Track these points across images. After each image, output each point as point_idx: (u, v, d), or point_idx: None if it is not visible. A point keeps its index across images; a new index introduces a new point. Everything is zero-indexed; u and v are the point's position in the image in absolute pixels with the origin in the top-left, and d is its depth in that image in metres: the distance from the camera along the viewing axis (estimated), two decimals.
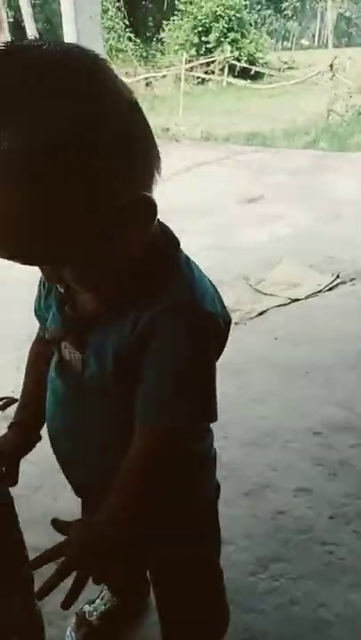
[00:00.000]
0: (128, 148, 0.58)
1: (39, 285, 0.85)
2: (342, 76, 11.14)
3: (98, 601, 1.28)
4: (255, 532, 1.52)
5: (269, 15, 23.89)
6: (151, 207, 0.61)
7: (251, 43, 18.02)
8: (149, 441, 0.74)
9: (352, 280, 3.34)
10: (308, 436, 1.91)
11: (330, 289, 3.28)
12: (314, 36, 37.94)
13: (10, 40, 0.60)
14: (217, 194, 5.56)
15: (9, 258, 0.60)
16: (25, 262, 0.61)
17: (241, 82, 14.85)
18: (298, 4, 24.76)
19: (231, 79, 15.55)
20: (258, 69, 16.71)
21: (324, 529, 1.53)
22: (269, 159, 7.43)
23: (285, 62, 19.18)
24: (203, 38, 17.84)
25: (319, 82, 12.86)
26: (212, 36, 17.66)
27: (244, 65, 16.03)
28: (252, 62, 17.12)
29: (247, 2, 18.51)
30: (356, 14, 32.98)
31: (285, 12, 25.01)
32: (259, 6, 21.66)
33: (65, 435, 0.85)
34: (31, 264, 0.62)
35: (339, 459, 1.79)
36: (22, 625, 0.89)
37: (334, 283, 3.38)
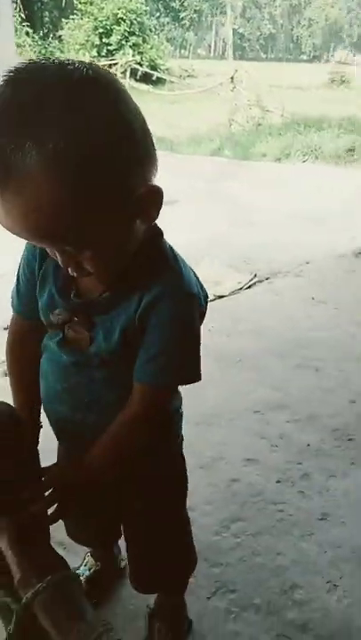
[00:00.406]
0: (146, 143, 0.71)
1: (22, 278, 0.93)
2: (241, 87, 11.79)
3: (82, 567, 1.38)
4: (214, 498, 1.70)
5: (167, 23, 24.47)
6: (161, 196, 0.74)
7: (152, 48, 18.38)
8: (147, 397, 0.88)
9: (268, 279, 3.65)
10: (249, 414, 2.13)
11: (249, 287, 3.57)
12: (210, 46, 39.44)
13: (44, 58, 0.71)
14: None
15: (52, 241, 0.70)
16: (65, 244, 0.70)
17: (143, 86, 15.07)
18: (195, 16, 25.67)
19: (134, 83, 15.74)
20: (159, 75, 17.06)
21: (274, 491, 1.74)
22: (179, 164, 7.71)
23: (186, 70, 19.83)
24: (104, 40, 17.85)
25: (220, 92, 13.46)
26: (114, 39, 17.76)
27: (146, 70, 16.28)
28: (153, 68, 17.46)
29: (148, 8, 18.85)
30: (250, 31, 34.99)
31: (183, 22, 25.81)
32: (158, 13, 22.10)
33: (63, 399, 0.95)
34: (71, 245, 0.71)
35: (278, 433, 2.03)
36: None
37: (253, 281, 3.68)
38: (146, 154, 0.71)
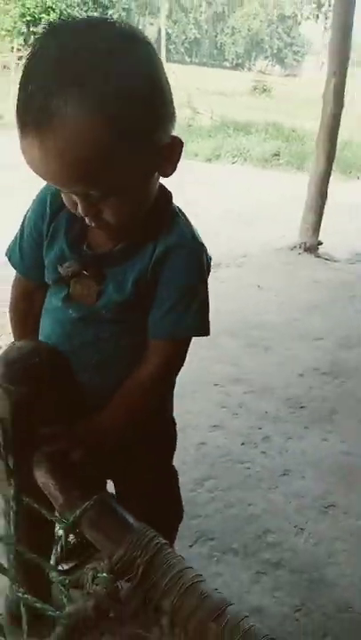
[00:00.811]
0: (171, 98, 0.77)
1: (26, 240, 0.93)
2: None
3: None
4: (186, 459, 1.80)
5: None
6: (181, 147, 0.77)
7: None
8: (165, 353, 0.88)
9: (214, 268, 3.82)
10: (210, 387, 2.26)
11: None
12: None
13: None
14: None
15: (84, 182, 0.70)
16: (92, 187, 0.71)
17: None
18: (124, 14, 25.65)
19: None
20: None
21: (239, 452, 1.88)
22: None
23: None
24: (32, 28, 17.33)
25: None
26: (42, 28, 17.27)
27: None
28: None
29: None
30: (176, 34, 35.52)
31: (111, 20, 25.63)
32: (86, 7, 21.82)
33: (71, 359, 0.92)
34: (98, 189, 0.72)
35: (237, 402, 2.18)
36: None
37: None
38: (172, 107, 0.77)
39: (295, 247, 4.08)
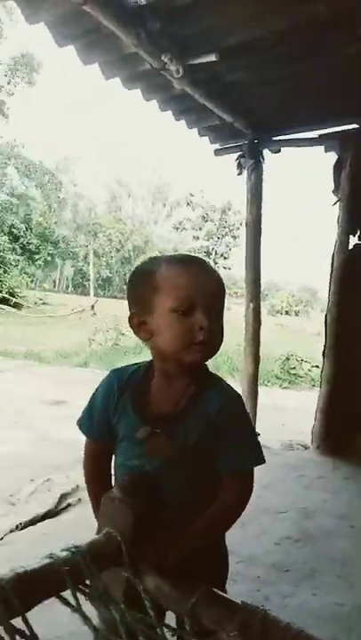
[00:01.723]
0: None
1: (98, 409, 1.17)
2: (88, 315, 13.51)
3: None
4: None
5: (22, 260, 27.60)
6: None
7: (11, 278, 20.36)
8: (240, 482, 1.09)
9: None
10: None
11: None
12: (55, 281, 44.05)
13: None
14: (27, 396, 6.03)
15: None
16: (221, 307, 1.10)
17: (6, 307, 16.27)
18: (48, 258, 29.64)
19: None
20: (17, 301, 18.66)
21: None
22: (56, 373, 8.31)
23: (40, 299, 22.01)
24: None
25: (79, 317, 15.14)
26: None
27: (5, 295, 17.73)
28: (11, 294, 19.05)
29: (10, 245, 21.47)
30: (87, 271, 40.63)
31: (38, 262, 29.50)
32: (13, 253, 25.04)
33: None
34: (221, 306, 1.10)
35: (234, 571, 2.36)
36: None
37: None
38: None
39: None
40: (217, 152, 5.29)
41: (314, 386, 8.67)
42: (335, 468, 4.05)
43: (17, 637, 0.88)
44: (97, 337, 12.11)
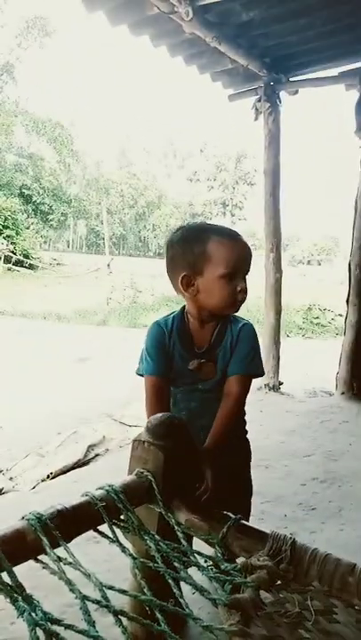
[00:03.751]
0: None
1: (156, 350, 1.46)
2: (103, 274, 13.51)
3: None
4: None
5: (37, 222, 27.50)
6: None
7: (24, 240, 20.33)
8: (242, 383, 1.43)
9: None
10: None
11: None
12: (68, 242, 44.00)
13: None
14: (50, 354, 6.14)
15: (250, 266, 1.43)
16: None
17: (22, 269, 16.35)
18: (62, 218, 29.43)
19: (11, 267, 16.97)
20: (32, 262, 18.70)
21: None
22: (77, 331, 8.41)
23: (55, 259, 22.01)
24: None
25: (95, 277, 15.16)
26: None
27: (20, 257, 17.79)
28: (26, 256, 19.09)
29: (22, 207, 21.31)
30: (101, 230, 40.41)
31: (51, 223, 29.35)
32: (26, 215, 24.89)
33: (200, 414, 1.47)
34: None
35: (260, 510, 2.44)
36: None
37: None
38: None
39: (261, 387, 4.64)
40: (231, 97, 5.09)
41: (337, 334, 8.63)
42: (360, 413, 4.07)
43: (61, 565, 0.93)
44: (114, 295, 12.16)
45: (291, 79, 4.63)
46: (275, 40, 4.04)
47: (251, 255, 1.45)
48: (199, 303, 1.44)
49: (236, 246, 1.40)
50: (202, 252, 1.39)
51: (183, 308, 1.52)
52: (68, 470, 3.12)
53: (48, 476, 3.02)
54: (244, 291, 1.40)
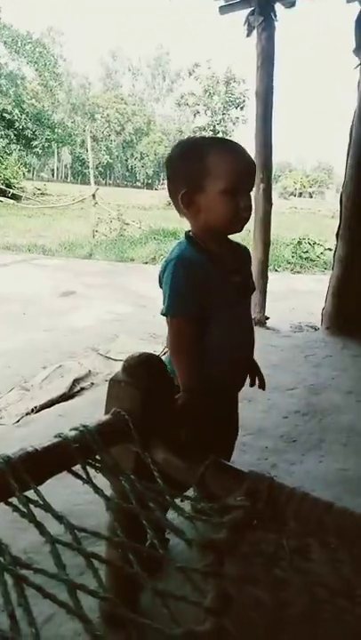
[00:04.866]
0: None
1: (188, 289, 1.34)
2: (89, 205, 12.95)
3: None
4: None
5: (19, 149, 26.22)
6: None
7: (6, 169, 19.47)
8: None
9: None
10: None
11: (164, 354, 4.08)
12: (53, 170, 42.38)
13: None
14: (35, 288, 6.05)
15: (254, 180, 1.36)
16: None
17: (4, 199, 15.75)
18: (46, 144, 28.04)
19: None
20: (15, 192, 18.02)
21: None
22: (62, 265, 8.25)
23: (39, 189, 21.21)
24: None
25: (81, 207, 14.69)
26: None
27: (2, 187, 17.10)
28: (8, 186, 18.36)
29: (3, 132, 20.21)
30: (87, 158, 38.96)
31: (35, 150, 27.99)
32: (7, 140, 23.66)
33: (244, 340, 1.48)
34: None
35: (241, 442, 2.46)
36: None
37: (165, 351, 4.21)
38: None
39: None
40: (222, 9, 4.69)
41: (326, 269, 8.56)
42: (344, 348, 4.10)
43: (31, 507, 0.91)
44: (100, 227, 11.84)
45: None
46: None
47: (255, 170, 1.36)
48: (201, 222, 1.35)
49: (238, 159, 1.30)
50: (202, 166, 1.28)
51: (187, 235, 1.42)
52: (53, 404, 3.12)
53: (33, 410, 3.02)
54: (248, 207, 1.31)
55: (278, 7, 4.42)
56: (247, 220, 1.33)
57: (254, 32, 4.49)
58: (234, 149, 1.32)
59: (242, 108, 32.47)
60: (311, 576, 0.90)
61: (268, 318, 4.73)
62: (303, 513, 1.06)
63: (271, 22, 4.42)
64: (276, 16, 4.43)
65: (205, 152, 1.29)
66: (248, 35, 4.54)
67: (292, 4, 4.45)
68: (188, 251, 1.37)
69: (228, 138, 1.43)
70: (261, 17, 4.38)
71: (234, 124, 33.53)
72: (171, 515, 1.01)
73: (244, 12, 4.53)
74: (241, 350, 1.48)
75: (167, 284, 1.35)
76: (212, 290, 1.35)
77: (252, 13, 4.46)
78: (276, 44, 4.46)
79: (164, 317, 1.41)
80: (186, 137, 1.43)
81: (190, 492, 1.11)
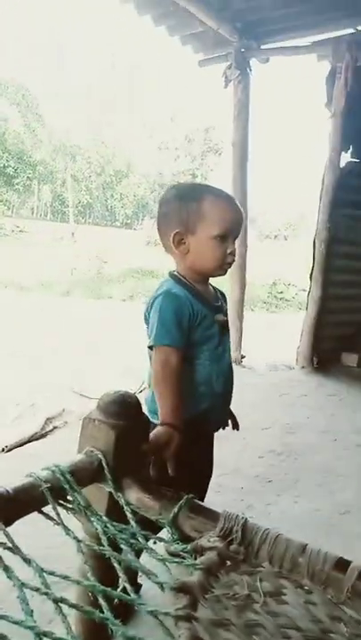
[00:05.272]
0: None
1: (180, 323, 1.37)
2: (79, 243, 13.19)
3: None
4: None
5: (1, 185, 26.41)
6: None
7: None
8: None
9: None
10: None
11: (140, 391, 4.06)
12: (32, 209, 42.67)
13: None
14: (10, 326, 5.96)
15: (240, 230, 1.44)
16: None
17: None
18: (27, 182, 28.32)
19: None
20: None
21: None
22: (40, 303, 8.21)
23: (18, 227, 21.30)
24: None
25: (59, 245, 14.76)
26: None
27: None
28: None
29: None
30: (67, 197, 39.28)
31: (17, 187, 28.23)
32: None
33: (224, 379, 1.49)
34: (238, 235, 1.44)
35: (217, 483, 2.44)
36: None
37: (143, 388, 4.19)
38: None
39: None
40: (201, 63, 4.93)
41: (300, 309, 8.73)
42: (319, 386, 4.15)
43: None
44: (79, 265, 11.90)
45: (262, 46, 4.51)
46: (246, 3, 3.89)
47: (243, 220, 1.46)
48: (188, 263, 1.43)
49: (231, 208, 1.41)
50: (197, 210, 1.38)
51: (171, 275, 1.48)
52: (25, 443, 3.05)
53: (3, 449, 2.95)
54: (234, 254, 1.40)
55: (254, 62, 4.67)
56: (231, 264, 1.42)
57: (231, 84, 4.72)
58: (227, 199, 1.43)
59: (220, 155, 33.62)
60: (285, 619, 0.89)
61: (243, 357, 4.77)
62: (277, 554, 1.05)
63: (247, 75, 4.66)
64: (251, 70, 4.67)
65: (201, 197, 1.39)
66: (225, 86, 4.77)
67: (267, 60, 4.71)
68: (175, 287, 1.43)
69: (225, 191, 1.48)
70: (238, 71, 4.61)
71: (212, 170, 34.61)
72: (144, 557, 0.99)
73: (222, 65, 4.77)
74: (224, 386, 1.50)
75: (155, 317, 1.39)
76: (197, 325, 1.40)
77: (229, 67, 4.69)
78: (251, 95, 4.69)
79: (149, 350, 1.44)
80: (181, 181, 1.53)
81: (164, 533, 1.09)
